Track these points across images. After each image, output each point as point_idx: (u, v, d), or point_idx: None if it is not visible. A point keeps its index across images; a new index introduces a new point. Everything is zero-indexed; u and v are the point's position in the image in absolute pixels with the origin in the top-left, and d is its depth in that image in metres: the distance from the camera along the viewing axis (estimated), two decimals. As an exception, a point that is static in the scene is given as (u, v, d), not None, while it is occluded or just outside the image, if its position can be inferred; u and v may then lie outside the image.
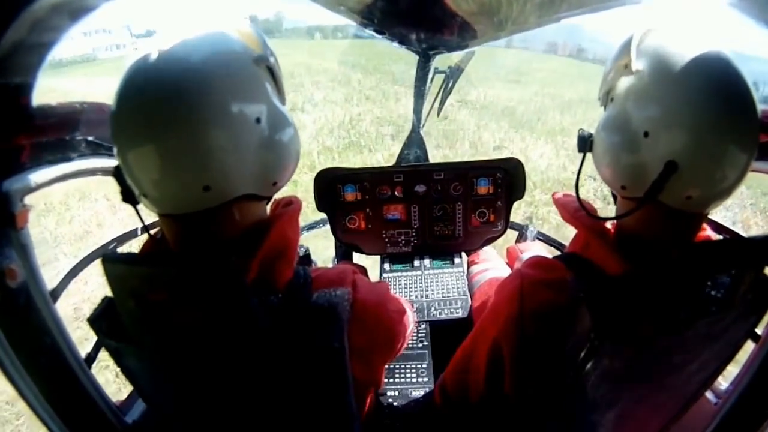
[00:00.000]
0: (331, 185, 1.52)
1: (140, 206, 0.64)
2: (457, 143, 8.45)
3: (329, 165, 1.60)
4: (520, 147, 8.45)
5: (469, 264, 1.60)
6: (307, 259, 1.52)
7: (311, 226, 1.94)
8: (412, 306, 1.38)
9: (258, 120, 0.60)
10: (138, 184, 0.59)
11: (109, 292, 0.63)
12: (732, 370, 0.87)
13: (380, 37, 1.43)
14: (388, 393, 1.19)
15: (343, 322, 0.65)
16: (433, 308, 1.42)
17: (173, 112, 0.54)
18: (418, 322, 1.37)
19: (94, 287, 3.25)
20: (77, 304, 3.22)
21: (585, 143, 0.73)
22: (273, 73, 0.65)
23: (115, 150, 0.58)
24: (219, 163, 0.57)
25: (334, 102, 11.48)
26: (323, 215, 1.63)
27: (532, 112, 10.66)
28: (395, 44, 1.53)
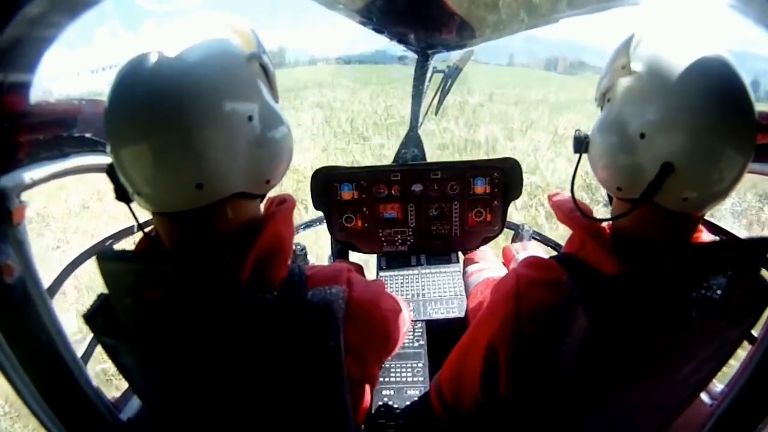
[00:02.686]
0: (328, 184, 1.52)
1: (134, 204, 0.64)
2: (480, 126, 8.21)
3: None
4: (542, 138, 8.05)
5: (466, 263, 1.60)
6: (303, 257, 1.52)
7: (308, 225, 1.94)
8: (408, 305, 1.38)
9: (250, 118, 0.60)
10: (131, 182, 0.59)
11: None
12: (727, 372, 0.87)
13: (379, 35, 1.43)
14: (384, 392, 1.19)
15: (338, 320, 0.65)
16: (429, 307, 1.42)
17: (165, 111, 0.54)
18: (414, 322, 1.37)
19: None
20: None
21: (581, 144, 0.73)
22: (266, 71, 0.65)
23: (108, 148, 0.58)
24: (211, 161, 0.57)
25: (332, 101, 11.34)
26: (320, 213, 1.63)
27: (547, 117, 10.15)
28: (394, 42, 1.53)
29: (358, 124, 9.43)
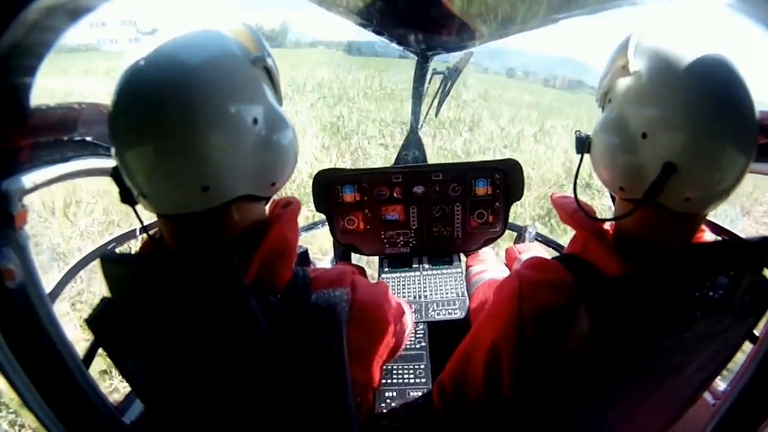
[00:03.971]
0: (329, 186, 1.52)
1: (139, 206, 0.64)
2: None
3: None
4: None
5: (468, 265, 1.60)
6: (305, 259, 1.52)
7: (310, 227, 1.94)
8: (410, 307, 1.38)
9: (255, 121, 0.60)
10: (136, 184, 0.59)
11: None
12: (730, 372, 0.87)
13: (379, 38, 1.44)
14: (386, 394, 1.19)
15: (342, 322, 0.65)
16: (431, 309, 1.42)
17: (170, 114, 0.54)
18: (416, 323, 1.37)
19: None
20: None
21: (583, 145, 0.73)
22: (270, 74, 0.65)
23: (112, 151, 0.58)
24: (217, 163, 0.57)
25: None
26: (322, 216, 1.63)
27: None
28: (394, 45, 1.53)
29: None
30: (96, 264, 0.98)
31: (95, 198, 4.03)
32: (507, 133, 7.65)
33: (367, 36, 1.42)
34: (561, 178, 5.66)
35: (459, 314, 1.40)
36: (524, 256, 1.37)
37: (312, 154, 5.63)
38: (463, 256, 1.66)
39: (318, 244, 2.68)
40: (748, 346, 0.86)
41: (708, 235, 0.73)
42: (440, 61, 1.77)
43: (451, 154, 6.33)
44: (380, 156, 6.10)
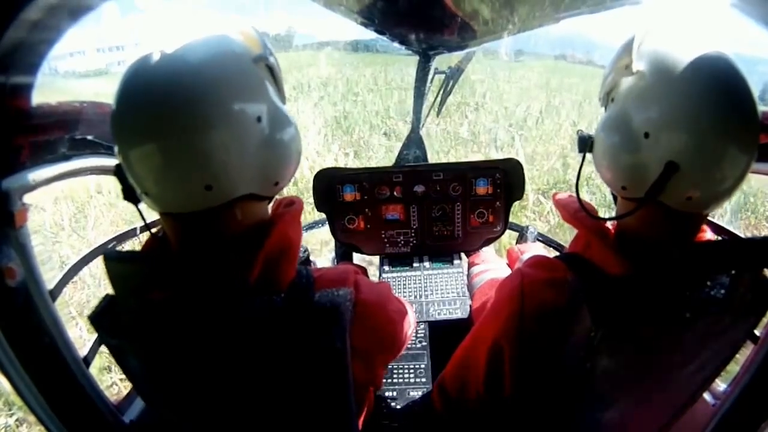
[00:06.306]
0: (330, 185, 1.52)
1: (142, 205, 0.64)
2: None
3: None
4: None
5: (469, 265, 1.60)
6: (306, 259, 1.52)
7: (311, 226, 1.94)
8: (412, 306, 1.38)
9: (259, 119, 0.60)
10: (139, 183, 0.59)
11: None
12: (731, 371, 0.87)
13: (381, 37, 1.44)
14: (386, 393, 1.19)
15: (346, 322, 0.65)
16: (432, 309, 1.42)
17: (174, 112, 0.54)
18: (417, 323, 1.37)
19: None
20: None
21: (585, 144, 0.73)
22: (273, 73, 0.65)
23: (116, 149, 0.58)
24: (220, 162, 0.57)
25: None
26: (323, 215, 1.63)
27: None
28: (396, 44, 1.53)
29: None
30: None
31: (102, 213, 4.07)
32: (512, 112, 7.60)
33: (373, 33, 1.42)
34: (566, 150, 5.67)
35: (459, 314, 1.40)
36: (526, 256, 1.37)
37: (314, 150, 5.65)
38: (464, 256, 1.66)
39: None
40: (748, 346, 0.86)
41: (709, 235, 0.73)
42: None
43: (454, 136, 6.31)
44: (382, 146, 6.09)
